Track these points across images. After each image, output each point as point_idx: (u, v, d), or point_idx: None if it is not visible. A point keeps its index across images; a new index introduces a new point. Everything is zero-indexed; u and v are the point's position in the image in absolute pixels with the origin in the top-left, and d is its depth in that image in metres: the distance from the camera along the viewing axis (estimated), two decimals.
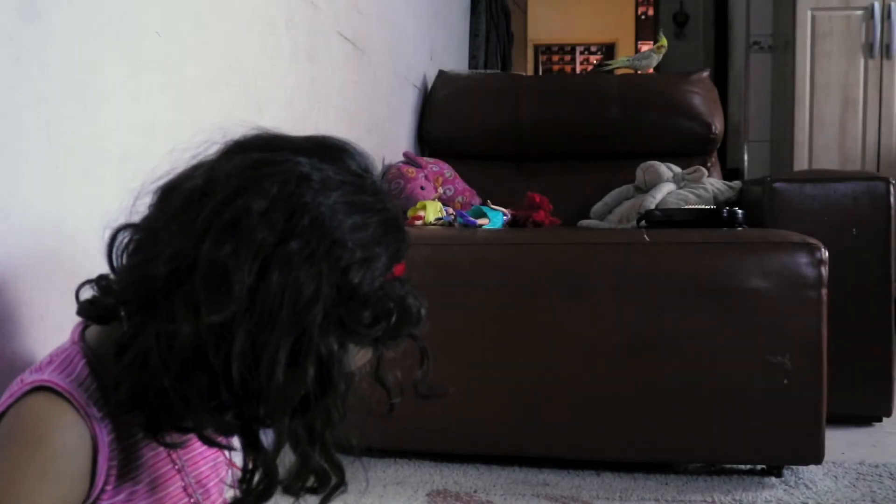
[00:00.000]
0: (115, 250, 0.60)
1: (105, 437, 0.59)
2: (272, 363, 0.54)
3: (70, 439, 0.58)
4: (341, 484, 0.63)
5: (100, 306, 0.62)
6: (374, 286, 0.59)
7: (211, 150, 0.61)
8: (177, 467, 0.68)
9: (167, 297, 0.55)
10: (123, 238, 0.60)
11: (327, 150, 0.61)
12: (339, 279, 0.57)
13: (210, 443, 0.61)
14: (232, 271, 0.54)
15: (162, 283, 0.56)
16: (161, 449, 0.65)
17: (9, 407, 0.59)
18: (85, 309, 0.63)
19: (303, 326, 0.55)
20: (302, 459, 0.59)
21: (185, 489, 0.69)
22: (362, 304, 0.58)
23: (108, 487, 0.60)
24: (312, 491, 0.62)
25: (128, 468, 0.62)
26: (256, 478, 0.60)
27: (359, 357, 0.64)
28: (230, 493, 0.70)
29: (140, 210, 0.62)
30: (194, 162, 0.61)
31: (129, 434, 0.62)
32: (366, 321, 0.59)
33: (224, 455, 0.75)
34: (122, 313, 0.58)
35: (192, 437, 0.67)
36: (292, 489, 0.61)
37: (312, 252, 0.56)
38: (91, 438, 0.59)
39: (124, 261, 0.60)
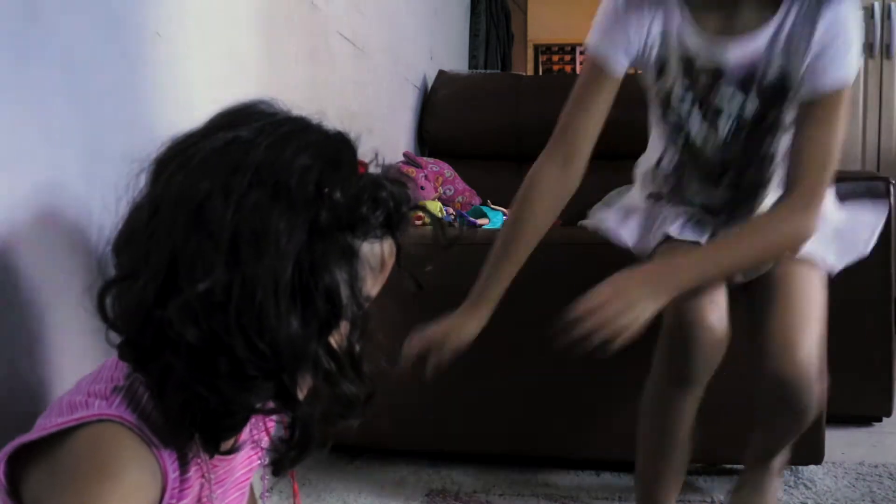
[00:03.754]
0: (107, 311, 0.59)
1: (172, 474, 0.59)
2: (279, 313, 0.54)
3: (144, 476, 0.58)
4: (373, 396, 0.63)
5: (137, 349, 0.60)
6: (357, 183, 0.60)
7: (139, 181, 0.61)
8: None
9: (164, 310, 0.55)
10: (109, 296, 0.59)
11: (235, 116, 0.62)
12: (319, 199, 0.57)
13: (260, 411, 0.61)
14: (206, 246, 0.55)
15: (153, 301, 0.56)
16: (202, 482, 0.65)
17: (72, 428, 0.57)
18: (125, 353, 0.61)
19: (294, 265, 0.55)
20: (331, 387, 0.60)
21: None
22: (357, 202, 0.59)
23: None
24: (343, 417, 0.63)
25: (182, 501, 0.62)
26: (295, 432, 0.61)
27: (372, 280, 0.64)
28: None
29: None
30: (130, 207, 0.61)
31: (187, 469, 0.62)
32: (366, 214, 0.60)
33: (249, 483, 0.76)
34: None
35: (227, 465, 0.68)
36: (328, 421, 0.62)
37: (275, 192, 0.56)
38: (162, 476, 0.59)
39: (118, 311, 0.59)
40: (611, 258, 1.51)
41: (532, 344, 1.50)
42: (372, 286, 0.64)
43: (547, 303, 1.52)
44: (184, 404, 0.57)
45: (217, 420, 0.59)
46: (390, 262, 0.65)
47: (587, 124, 1.08)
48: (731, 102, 1.08)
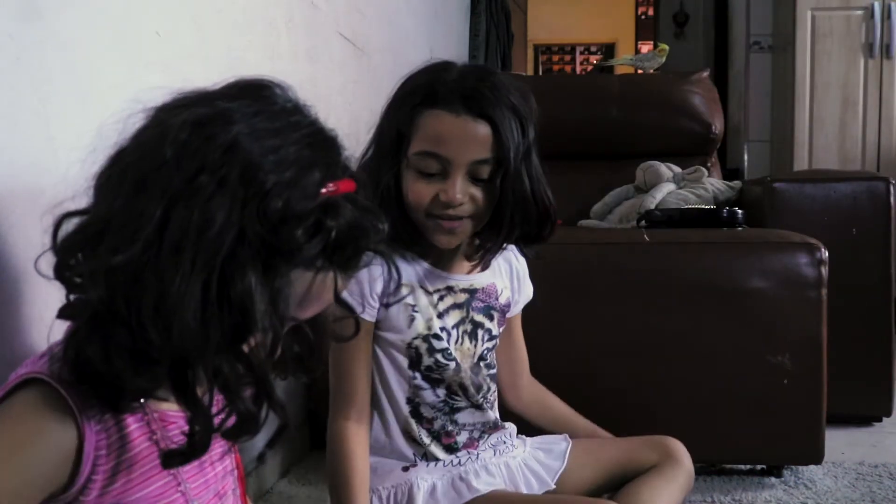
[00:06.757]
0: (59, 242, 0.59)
1: (93, 427, 0.59)
2: (180, 304, 0.52)
3: (49, 424, 0.57)
4: (285, 426, 0.61)
5: (76, 305, 0.60)
6: (308, 205, 0.56)
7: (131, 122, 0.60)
8: (179, 483, 0.66)
9: (80, 262, 0.56)
10: (66, 226, 0.59)
11: (245, 89, 0.61)
12: (259, 204, 0.54)
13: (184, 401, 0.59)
14: (138, 216, 0.53)
15: (79, 247, 0.56)
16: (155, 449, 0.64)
17: (2, 398, 0.59)
18: (64, 312, 0.61)
19: (213, 262, 0.53)
20: (228, 400, 0.57)
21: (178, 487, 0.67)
22: (295, 224, 0.55)
23: (97, 477, 0.59)
24: (248, 432, 0.60)
25: (122, 459, 0.61)
26: (196, 429, 0.59)
27: (299, 304, 0.60)
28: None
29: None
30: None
31: (122, 427, 0.61)
32: (300, 240, 0.56)
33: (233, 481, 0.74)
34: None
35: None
36: (227, 433, 0.60)
37: (222, 181, 0.54)
38: (76, 428, 0.58)
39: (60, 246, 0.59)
40: (611, 258, 1.52)
41: (532, 343, 1.50)
42: (299, 310, 0.61)
43: (547, 302, 1.52)
44: (78, 358, 0.56)
45: (111, 382, 0.57)
46: (326, 294, 0.61)
47: (362, 373, 1.04)
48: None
